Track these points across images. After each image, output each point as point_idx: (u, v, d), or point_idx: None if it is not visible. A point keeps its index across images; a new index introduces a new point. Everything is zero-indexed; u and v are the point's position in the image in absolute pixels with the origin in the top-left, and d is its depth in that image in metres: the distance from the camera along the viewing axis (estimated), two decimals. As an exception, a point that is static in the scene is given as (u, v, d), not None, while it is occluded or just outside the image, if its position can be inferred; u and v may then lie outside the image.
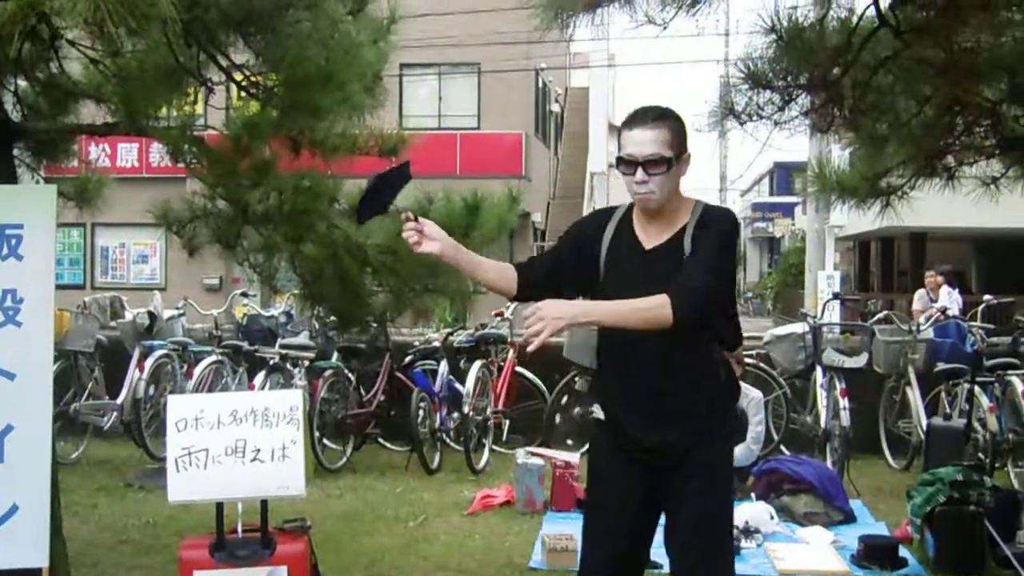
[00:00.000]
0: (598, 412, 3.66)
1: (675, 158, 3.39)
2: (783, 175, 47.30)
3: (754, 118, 5.28)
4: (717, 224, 3.43)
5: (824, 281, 19.49)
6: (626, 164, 3.39)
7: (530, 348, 3.18)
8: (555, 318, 3.14)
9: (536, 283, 3.59)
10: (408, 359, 9.59)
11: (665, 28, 4.79)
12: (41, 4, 3.82)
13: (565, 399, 9.35)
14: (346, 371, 9.40)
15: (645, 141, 3.37)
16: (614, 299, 3.36)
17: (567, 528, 6.52)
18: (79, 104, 5.99)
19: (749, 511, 6.85)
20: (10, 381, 4.57)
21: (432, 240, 3.43)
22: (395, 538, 6.67)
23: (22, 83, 5.81)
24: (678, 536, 3.51)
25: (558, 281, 3.58)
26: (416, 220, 3.43)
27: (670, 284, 3.29)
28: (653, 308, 3.24)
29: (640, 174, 3.37)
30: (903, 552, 6.22)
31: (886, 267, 31.54)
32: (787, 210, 44.83)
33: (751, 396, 8.23)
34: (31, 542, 4.54)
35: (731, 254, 3.46)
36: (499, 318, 10.22)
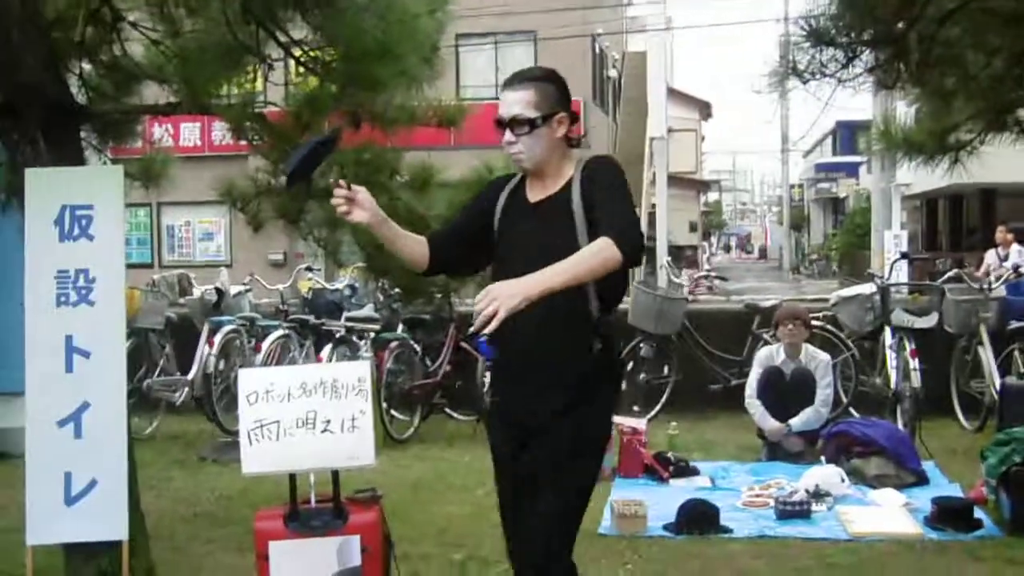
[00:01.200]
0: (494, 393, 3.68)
1: (541, 119, 3.40)
2: (846, 134, 46.67)
3: (817, 76, 5.18)
4: (605, 171, 3.42)
5: (891, 241, 19.19)
6: (499, 124, 3.43)
7: (487, 330, 3.04)
8: (509, 296, 3.02)
9: (443, 252, 3.61)
10: (472, 329, 9.61)
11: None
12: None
13: (631, 365, 9.31)
14: (411, 342, 9.46)
15: (511, 102, 3.42)
16: (506, 256, 3.44)
17: (635, 494, 6.53)
18: (142, 85, 6.05)
19: (819, 474, 6.80)
20: (86, 359, 4.67)
21: (363, 210, 3.43)
22: (464, 506, 6.71)
23: (87, 66, 5.89)
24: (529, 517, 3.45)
25: (464, 248, 3.61)
26: (349, 188, 3.42)
27: (556, 233, 3.31)
28: (600, 252, 3.14)
29: (508, 135, 3.42)
30: (978, 513, 6.15)
31: (955, 225, 31.09)
32: (851, 170, 44.28)
33: (819, 359, 8.16)
34: (111, 516, 4.66)
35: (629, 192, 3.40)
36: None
